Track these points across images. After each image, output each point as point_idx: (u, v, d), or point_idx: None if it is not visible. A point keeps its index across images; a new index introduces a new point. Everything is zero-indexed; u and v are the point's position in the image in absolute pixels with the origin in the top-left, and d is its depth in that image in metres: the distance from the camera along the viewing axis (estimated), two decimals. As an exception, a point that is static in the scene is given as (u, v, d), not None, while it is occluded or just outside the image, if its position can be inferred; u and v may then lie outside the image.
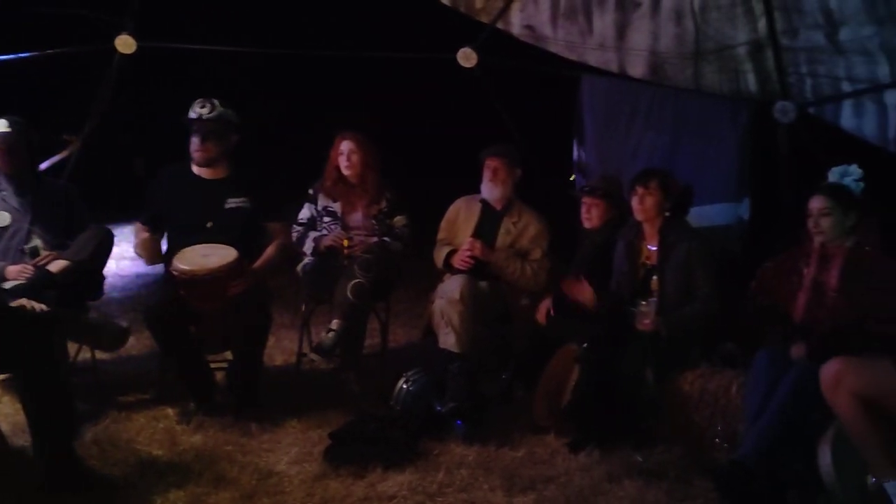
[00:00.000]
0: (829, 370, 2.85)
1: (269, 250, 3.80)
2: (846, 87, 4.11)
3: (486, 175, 4.20)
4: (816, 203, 3.26)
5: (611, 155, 4.72)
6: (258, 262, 3.71)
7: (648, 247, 3.77)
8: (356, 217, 4.18)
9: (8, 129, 3.66)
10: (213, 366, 3.80)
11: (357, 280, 3.82)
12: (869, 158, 3.77)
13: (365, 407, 3.69)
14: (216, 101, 3.78)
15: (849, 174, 3.36)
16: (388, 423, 3.39)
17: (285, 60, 6.11)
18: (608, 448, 3.35)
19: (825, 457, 2.86)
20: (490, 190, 4.19)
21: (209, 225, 3.72)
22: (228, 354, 3.86)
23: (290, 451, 3.30)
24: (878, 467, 2.66)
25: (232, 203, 3.79)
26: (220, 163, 3.83)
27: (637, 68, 4.59)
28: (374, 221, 4.15)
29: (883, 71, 3.89)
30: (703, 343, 3.64)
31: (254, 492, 2.95)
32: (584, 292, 3.80)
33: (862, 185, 3.33)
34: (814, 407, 2.96)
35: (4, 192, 3.70)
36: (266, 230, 3.86)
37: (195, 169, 3.84)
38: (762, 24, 4.11)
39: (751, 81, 4.37)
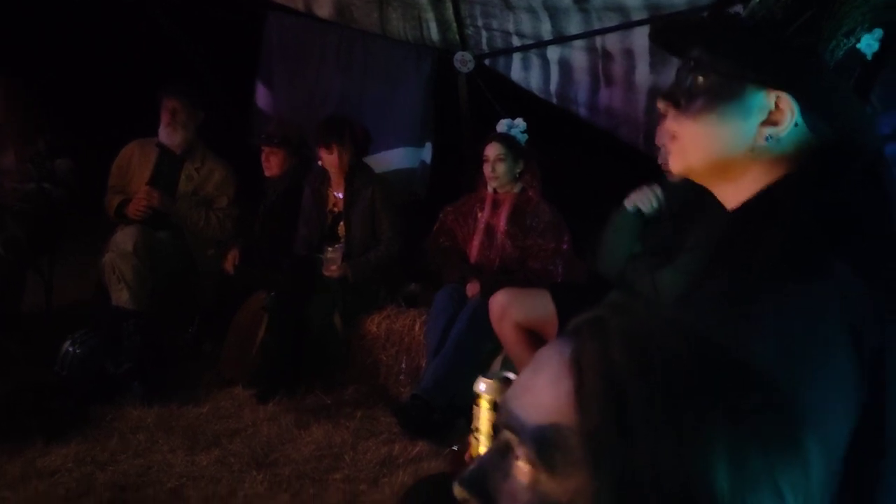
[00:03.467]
0: (496, 302, 3.10)
1: None
2: (515, 41, 4.40)
3: (164, 118, 3.85)
4: (492, 150, 3.49)
5: (300, 99, 4.62)
6: None
7: (335, 194, 3.78)
8: (6, 160, 3.63)
9: None
10: None
11: (9, 233, 3.34)
12: (537, 109, 4.12)
13: (22, 374, 3.27)
14: None
15: (515, 126, 3.63)
16: (51, 391, 3.05)
17: None
18: (297, 395, 3.34)
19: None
20: (169, 134, 3.85)
21: None
22: None
23: (-75, 432, 2.83)
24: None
25: None
26: None
27: (323, 8, 4.49)
28: (30, 165, 3.64)
29: (546, 28, 4.20)
30: (389, 284, 3.75)
31: None
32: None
33: (526, 136, 3.62)
34: (485, 339, 3.21)
35: None
36: None
37: None
38: (441, -25, 4.23)
39: (433, 30, 4.50)
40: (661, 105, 1.09)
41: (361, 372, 3.59)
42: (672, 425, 0.49)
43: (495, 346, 3.21)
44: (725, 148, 1.04)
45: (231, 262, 3.80)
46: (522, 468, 0.53)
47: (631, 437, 0.49)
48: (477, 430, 1.13)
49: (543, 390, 0.53)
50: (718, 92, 1.03)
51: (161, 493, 2.57)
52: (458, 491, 0.54)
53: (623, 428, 0.49)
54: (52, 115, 3.86)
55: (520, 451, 0.53)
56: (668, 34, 1.13)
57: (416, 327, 3.54)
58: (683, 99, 1.06)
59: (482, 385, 1.12)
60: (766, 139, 1.01)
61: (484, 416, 1.13)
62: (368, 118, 4.05)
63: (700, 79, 1.04)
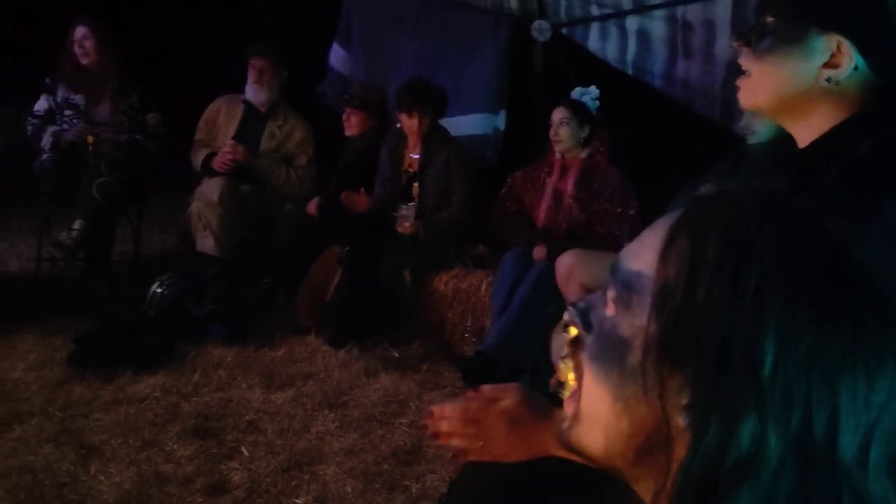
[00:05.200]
0: (563, 263, 3.16)
1: None
2: (595, 10, 4.40)
3: (251, 76, 4.02)
4: (557, 114, 3.55)
5: (378, 62, 4.73)
6: None
7: (411, 155, 3.88)
8: (102, 111, 3.85)
9: None
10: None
11: (104, 178, 3.55)
12: (611, 80, 4.12)
13: (114, 312, 3.49)
14: None
15: (587, 93, 3.67)
16: (140, 328, 3.26)
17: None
18: (367, 346, 3.47)
19: (557, 343, 3.18)
20: (255, 92, 4.01)
21: None
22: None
23: (28, 357, 3.08)
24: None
25: None
26: None
27: (404, -24, 4.59)
28: (123, 117, 3.85)
29: (627, -3, 4.20)
30: (458, 245, 3.85)
31: (-18, 401, 2.72)
32: (362, 203, 3.85)
33: (598, 104, 3.66)
34: (550, 301, 3.27)
35: None
36: None
37: None
38: (523, -58, 4.26)
39: (512, -1, 4.54)
40: (734, 44, 1.16)
41: (428, 328, 3.70)
42: (737, 288, 0.54)
43: (559, 308, 3.26)
44: (788, 87, 1.10)
45: (314, 206, 3.96)
46: (609, 302, 0.62)
47: (693, 293, 0.55)
48: (565, 356, 1.20)
49: (643, 243, 0.61)
50: (784, 33, 1.09)
51: (240, 423, 2.74)
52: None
53: (689, 283, 0.56)
54: (145, 70, 4.05)
55: (610, 288, 0.62)
56: None
57: (483, 288, 3.62)
58: (754, 38, 1.12)
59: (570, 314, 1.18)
60: (826, 80, 1.06)
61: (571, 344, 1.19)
62: (444, 84, 4.12)
63: (769, 19, 1.10)
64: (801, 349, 0.52)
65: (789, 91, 1.10)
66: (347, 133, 4.10)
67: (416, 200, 3.78)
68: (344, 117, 4.08)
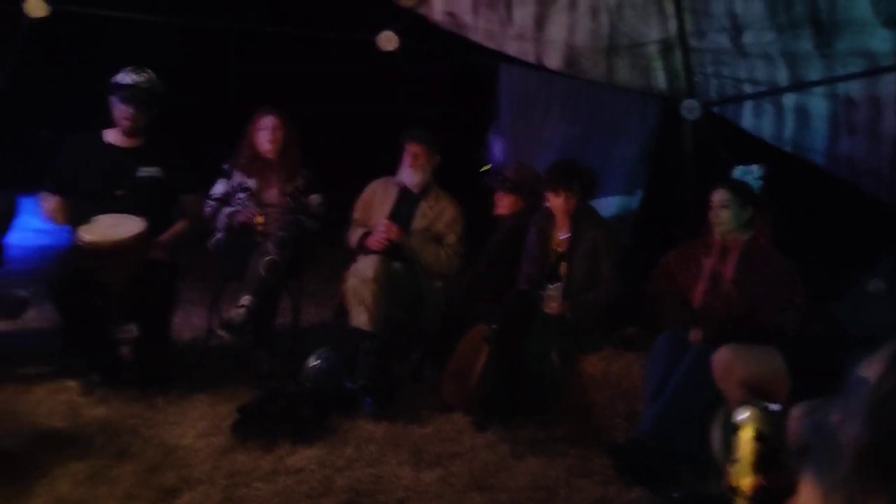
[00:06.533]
0: (720, 359, 3.01)
1: (180, 224, 3.81)
2: (747, 88, 4.33)
3: (407, 160, 4.21)
4: (717, 196, 3.46)
5: (525, 144, 4.83)
6: (166, 235, 3.71)
7: (560, 235, 3.90)
8: (271, 194, 4.15)
9: None
10: (119, 339, 3.71)
11: (270, 257, 3.79)
12: (765, 157, 4.01)
13: (274, 383, 3.68)
14: (149, 70, 3.75)
15: (750, 172, 3.57)
16: (298, 400, 3.40)
17: (205, 33, 6.01)
18: (513, 426, 3.45)
19: (716, 436, 3.04)
20: (410, 176, 4.20)
21: (119, 193, 3.67)
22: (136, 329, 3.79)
23: (198, 424, 3.28)
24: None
25: (144, 172, 3.76)
26: (139, 131, 3.82)
27: (553, 60, 4.70)
28: (289, 199, 4.12)
29: (781, 75, 4.11)
30: (607, 326, 3.79)
31: (158, 465, 2.92)
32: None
33: (761, 182, 3.54)
34: (708, 388, 3.12)
35: None
36: (179, 202, 3.83)
37: (108, 136, 3.79)
38: (672, 24, 4.28)
39: (660, 79, 4.55)
40: None
41: (575, 410, 3.64)
42: None
43: (716, 396, 3.12)
44: None
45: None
46: (838, 407, 0.57)
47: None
48: (738, 460, 1.14)
49: (881, 352, 0.57)
50: None
51: (391, 501, 2.78)
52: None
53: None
54: (308, 153, 4.34)
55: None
56: None
57: (634, 371, 3.52)
58: None
59: (745, 414, 1.13)
60: None
61: (746, 447, 1.13)
62: (590, 166, 4.15)
63: None
64: None
65: None
66: (498, 212, 4.19)
67: (564, 280, 3.78)
68: (496, 197, 4.19)
